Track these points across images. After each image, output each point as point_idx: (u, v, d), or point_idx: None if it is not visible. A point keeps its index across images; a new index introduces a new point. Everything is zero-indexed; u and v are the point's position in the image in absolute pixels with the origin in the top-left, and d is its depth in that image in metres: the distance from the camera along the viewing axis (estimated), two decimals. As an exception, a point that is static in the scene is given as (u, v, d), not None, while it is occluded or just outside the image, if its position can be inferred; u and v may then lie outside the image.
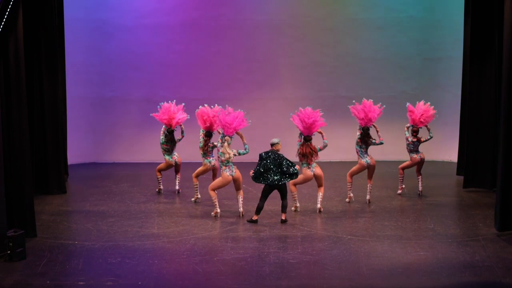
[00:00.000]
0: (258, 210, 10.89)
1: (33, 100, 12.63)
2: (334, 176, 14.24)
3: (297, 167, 10.80)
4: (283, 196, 10.88)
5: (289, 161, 10.77)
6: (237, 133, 11.38)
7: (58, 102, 13.15)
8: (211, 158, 12.27)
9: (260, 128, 15.10)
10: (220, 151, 11.17)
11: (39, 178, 12.90)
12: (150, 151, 16.34)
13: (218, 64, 16.86)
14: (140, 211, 11.79)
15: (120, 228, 10.62)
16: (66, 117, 14.80)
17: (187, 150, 14.71)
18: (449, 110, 15.97)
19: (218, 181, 11.34)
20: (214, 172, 12.48)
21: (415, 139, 12.62)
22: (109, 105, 16.95)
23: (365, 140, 12.04)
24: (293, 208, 11.63)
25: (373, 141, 12.07)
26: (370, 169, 12.16)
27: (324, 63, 16.85)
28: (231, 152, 11.11)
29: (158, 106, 12.94)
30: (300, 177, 11.26)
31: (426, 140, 12.73)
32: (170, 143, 12.90)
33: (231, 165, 11.18)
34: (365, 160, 12.10)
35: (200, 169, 12.35)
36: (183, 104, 12.94)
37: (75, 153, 16.09)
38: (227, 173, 11.15)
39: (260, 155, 10.79)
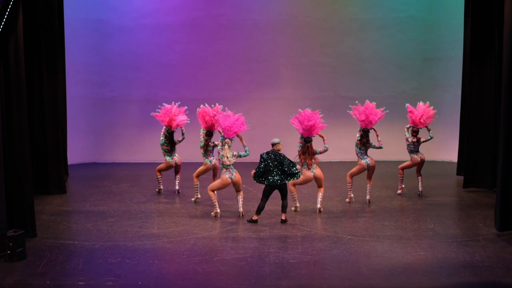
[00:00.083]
0: (259, 211, 10.88)
1: (33, 100, 12.63)
2: (334, 176, 14.24)
3: (298, 167, 10.81)
4: (284, 196, 10.87)
5: (290, 161, 10.76)
6: (236, 135, 11.37)
7: (58, 102, 13.14)
8: (211, 158, 12.28)
9: (260, 128, 15.11)
10: (221, 153, 11.16)
11: (39, 178, 12.90)
12: (150, 151, 16.34)
13: (218, 64, 16.86)
14: (140, 211, 11.79)
15: (120, 228, 10.62)
16: (66, 117, 14.80)
17: (188, 150, 14.70)
18: (449, 110, 15.97)
19: (217, 182, 11.34)
20: (215, 171, 12.48)
21: (415, 140, 12.62)
22: (109, 105, 16.95)
23: (364, 143, 12.05)
24: (293, 208, 11.63)
25: (372, 144, 12.08)
26: (370, 169, 12.16)
27: (324, 63, 16.85)
28: (230, 158, 11.04)
29: (159, 107, 12.93)
30: (300, 178, 11.25)
31: (426, 141, 12.73)
32: (170, 144, 12.90)
33: (231, 168, 11.17)
34: (365, 161, 12.10)
35: (200, 168, 12.36)
36: (185, 107, 12.88)
37: (75, 153, 16.10)
38: (226, 176, 11.12)
39: (261, 156, 10.78)
